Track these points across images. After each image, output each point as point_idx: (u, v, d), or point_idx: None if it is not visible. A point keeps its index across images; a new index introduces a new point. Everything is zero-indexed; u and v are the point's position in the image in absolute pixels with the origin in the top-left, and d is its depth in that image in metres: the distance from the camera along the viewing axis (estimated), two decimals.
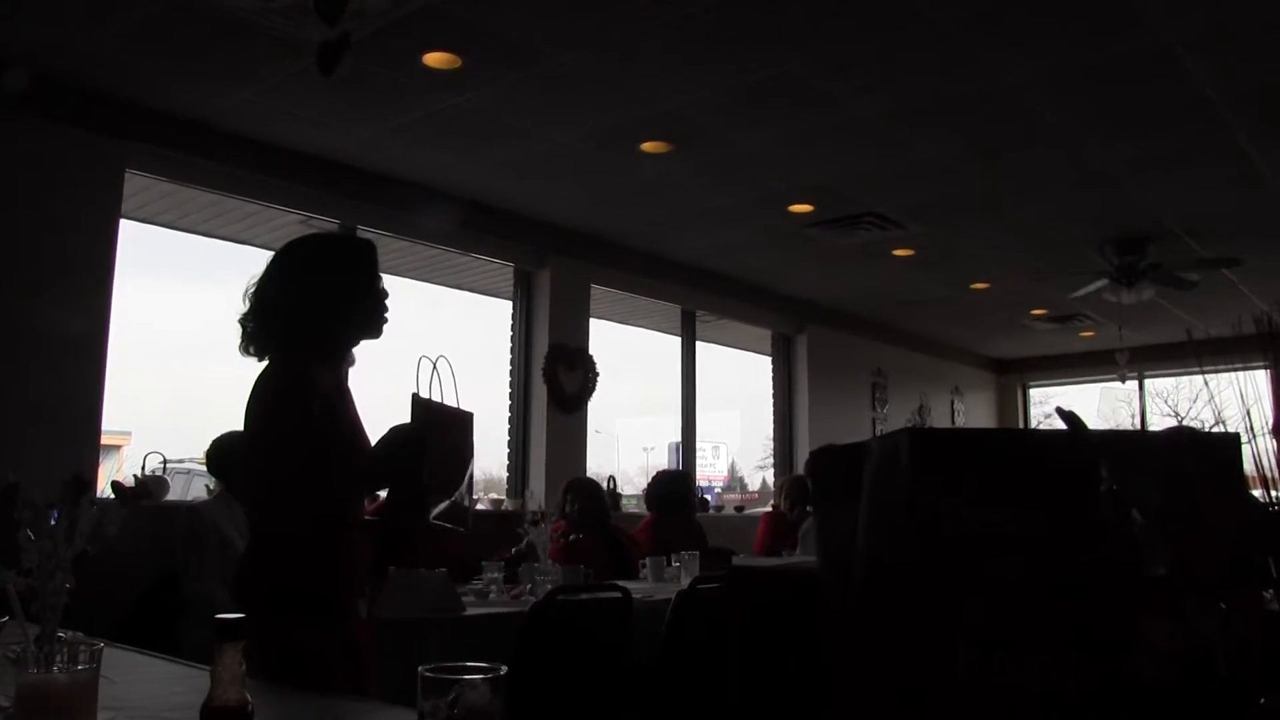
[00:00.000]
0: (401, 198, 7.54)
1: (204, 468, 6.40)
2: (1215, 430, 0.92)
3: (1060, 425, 1.14)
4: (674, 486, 7.28)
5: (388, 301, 3.13)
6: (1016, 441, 1.09)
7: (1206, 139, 6.79)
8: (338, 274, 3.04)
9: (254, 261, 7.59)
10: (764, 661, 1.32)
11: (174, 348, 9.69)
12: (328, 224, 7.38)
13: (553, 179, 7.57)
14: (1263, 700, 0.73)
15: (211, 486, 6.00)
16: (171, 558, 5.21)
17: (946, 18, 5.21)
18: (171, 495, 6.53)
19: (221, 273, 8.19)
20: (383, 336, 3.13)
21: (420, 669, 1.22)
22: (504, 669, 1.22)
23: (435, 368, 3.01)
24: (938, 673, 1.00)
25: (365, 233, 7.50)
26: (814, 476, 1.16)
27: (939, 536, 1.00)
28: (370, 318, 3.08)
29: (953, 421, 14.54)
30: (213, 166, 6.60)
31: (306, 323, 2.94)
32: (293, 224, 7.27)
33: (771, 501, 9.26)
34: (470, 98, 6.05)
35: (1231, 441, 0.93)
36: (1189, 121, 6.50)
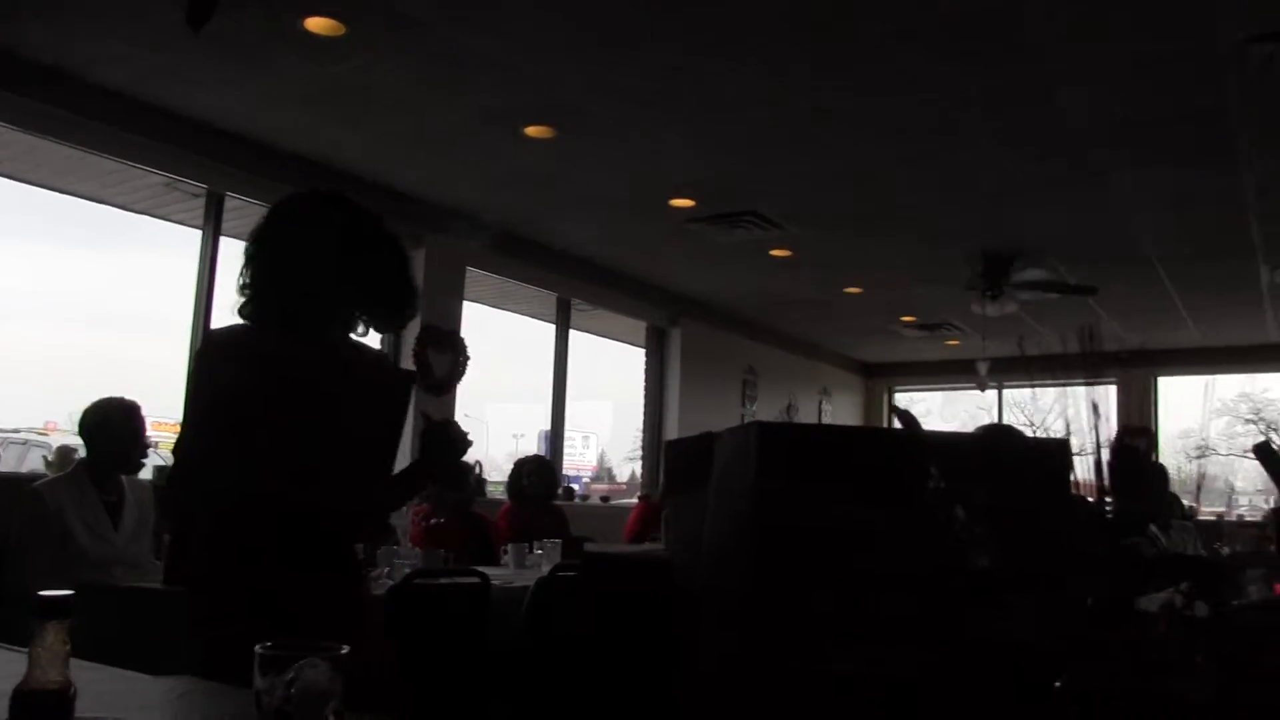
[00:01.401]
0: (273, 166, 7.31)
1: (43, 438, 6.10)
2: (1046, 436, 0.94)
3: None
4: (536, 474, 7.25)
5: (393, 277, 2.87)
6: (858, 439, 1.10)
7: (1072, 168, 7.06)
8: (301, 231, 2.77)
9: (109, 221, 7.38)
10: (616, 644, 1.32)
11: (12, 308, 9.30)
12: (194, 188, 7.16)
13: (432, 156, 7.46)
14: (1058, 683, 0.75)
15: (51, 458, 5.69)
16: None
17: (837, 32, 5.29)
18: (3, 466, 6.19)
19: (69, 231, 7.89)
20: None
21: (257, 647, 1.18)
22: (345, 648, 1.19)
23: None
24: (775, 659, 1.00)
25: (234, 200, 7.30)
26: (667, 466, 1.16)
27: (781, 527, 1.00)
28: (362, 286, 2.78)
29: (819, 421, 14.78)
30: (69, 118, 6.25)
31: (269, 286, 2.69)
32: (155, 185, 7.04)
33: (640, 492, 9.30)
34: (352, 67, 5.88)
35: (1059, 447, 0.95)
36: (1057, 149, 6.74)
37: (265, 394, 2.55)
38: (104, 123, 6.40)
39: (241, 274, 2.70)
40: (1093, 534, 0.80)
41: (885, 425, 16.39)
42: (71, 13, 5.42)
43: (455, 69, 5.90)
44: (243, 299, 2.68)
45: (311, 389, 2.61)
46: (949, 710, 0.94)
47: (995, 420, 15.14)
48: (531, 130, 6.78)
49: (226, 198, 7.28)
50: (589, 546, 4.19)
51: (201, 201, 7.24)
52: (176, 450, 2.62)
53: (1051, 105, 6.03)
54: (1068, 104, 6.00)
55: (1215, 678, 0.79)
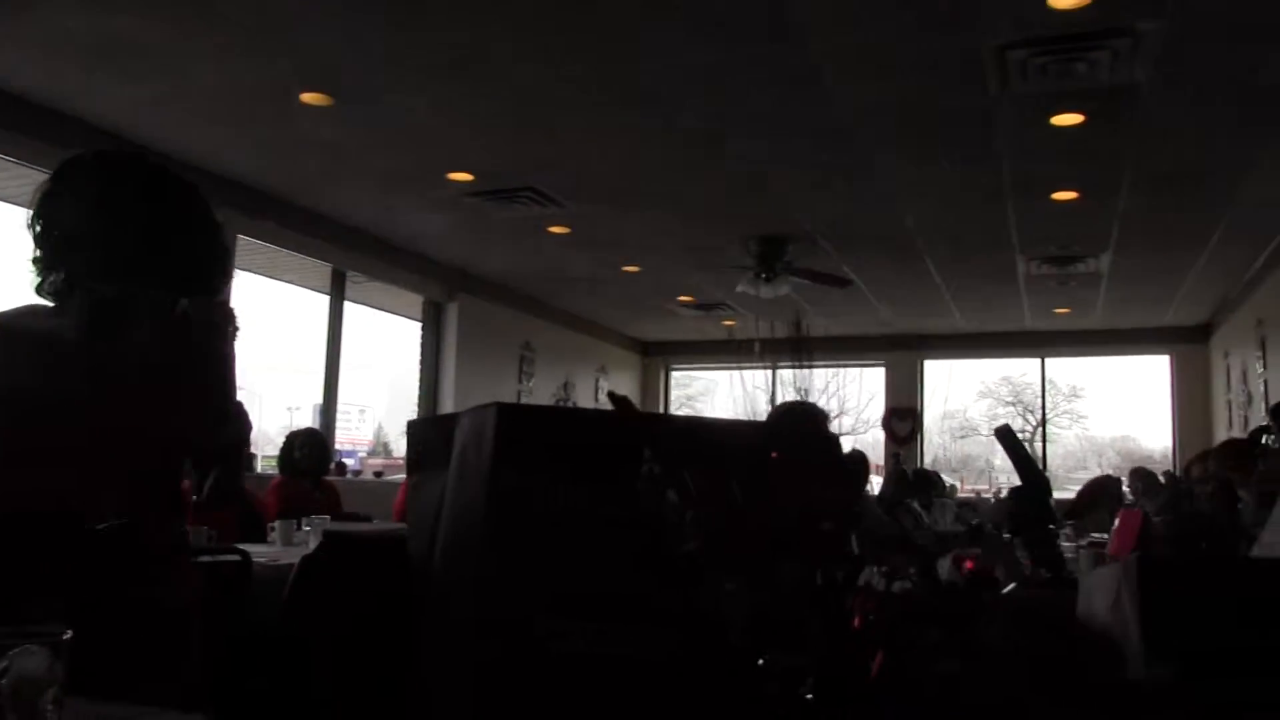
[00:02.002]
0: (27, 120, 6.94)
1: None
2: (752, 419, 0.99)
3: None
4: (305, 447, 7.08)
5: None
6: (587, 422, 1.13)
7: (842, 153, 7.28)
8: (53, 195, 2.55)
9: None
10: (354, 623, 1.31)
11: None
12: None
13: (202, 119, 7.18)
14: (761, 661, 0.80)
15: None
16: None
17: (605, 10, 5.32)
18: None
19: None
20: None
21: None
22: (67, 633, 1.14)
23: None
24: (507, 637, 1.02)
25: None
26: (409, 444, 1.16)
27: (514, 510, 1.03)
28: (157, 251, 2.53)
29: (596, 399, 14.92)
30: None
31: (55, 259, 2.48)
32: None
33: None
34: (122, 23, 5.61)
35: (758, 430, 1.00)
36: (830, 135, 6.94)
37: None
38: None
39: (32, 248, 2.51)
40: (799, 518, 0.85)
41: (662, 404, 16.68)
42: None
43: (226, 29, 5.70)
44: (36, 276, 2.49)
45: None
46: (670, 688, 0.99)
47: (782, 400, 15.54)
48: (308, 97, 6.61)
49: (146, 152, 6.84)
50: (329, 526, 4.15)
51: None
52: None
53: (821, 93, 6.22)
54: (837, 92, 6.21)
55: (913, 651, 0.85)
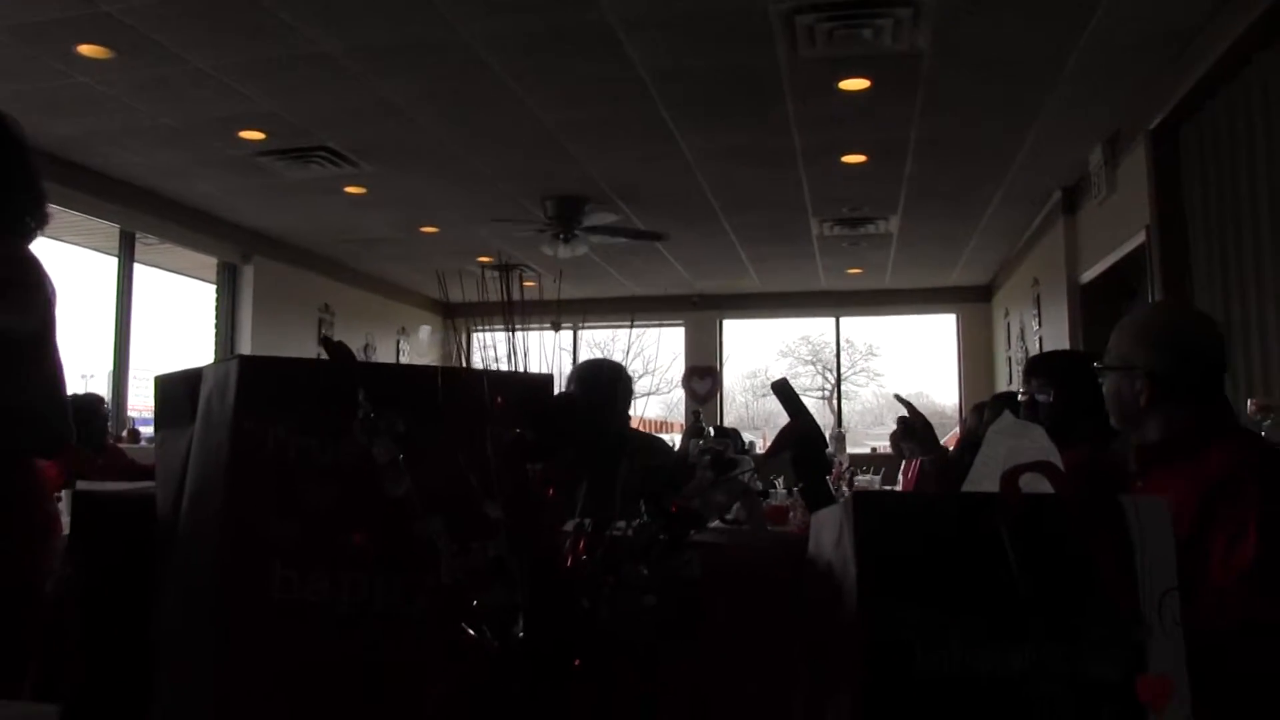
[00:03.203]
0: None
1: None
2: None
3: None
4: (85, 413, 6.83)
5: None
6: (314, 371, 1.16)
7: (637, 114, 7.36)
8: None
9: None
10: (105, 587, 1.31)
11: None
12: None
13: None
14: (474, 603, 0.85)
15: None
16: None
17: None
18: None
19: None
20: None
21: None
22: None
23: None
24: (251, 590, 1.05)
25: None
26: (156, 400, 1.17)
27: (258, 460, 1.06)
28: None
29: (396, 360, 14.77)
30: None
31: None
32: None
33: None
34: None
35: (478, 376, 1.05)
36: (624, 96, 7.01)
37: None
38: None
39: None
40: (505, 461, 0.91)
41: (464, 365, 16.58)
42: None
43: None
44: None
45: None
46: (392, 632, 1.04)
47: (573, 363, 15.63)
48: (86, 49, 6.35)
49: None
50: (80, 485, 4.03)
51: None
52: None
53: (615, 54, 6.28)
54: (629, 54, 6.27)
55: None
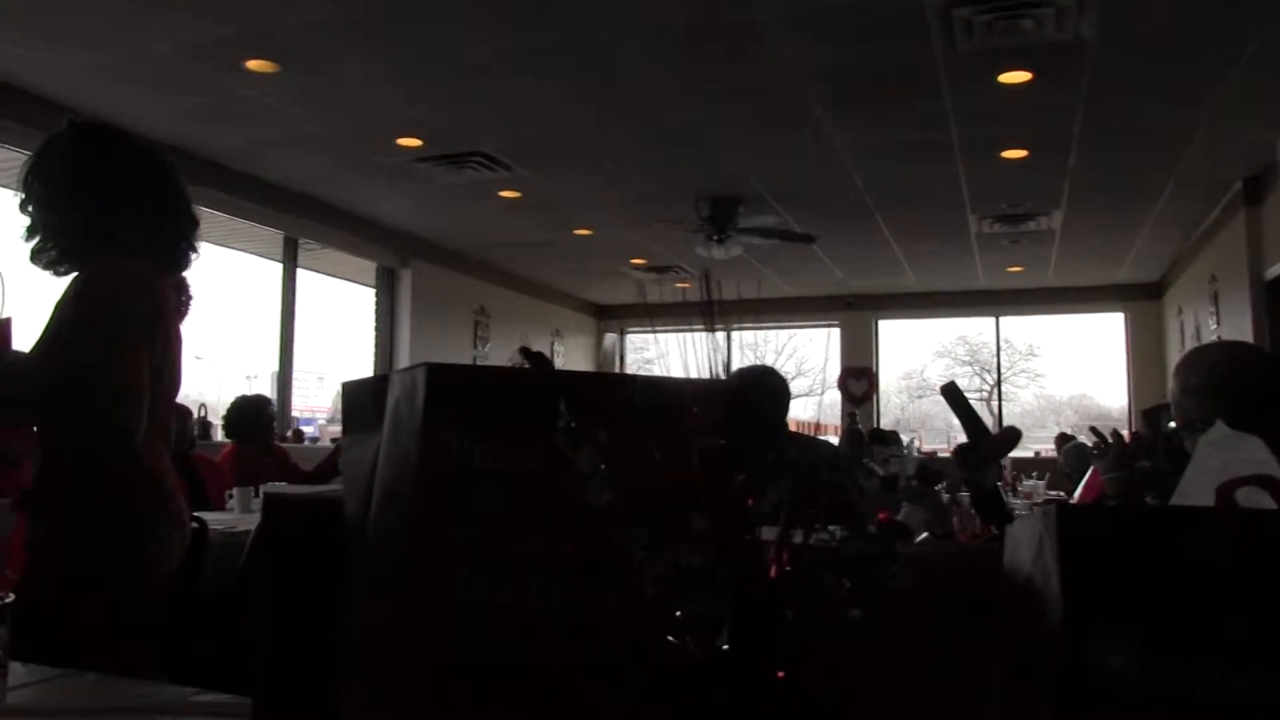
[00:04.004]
0: None
1: None
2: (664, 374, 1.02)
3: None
4: (253, 413, 7.06)
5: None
6: (521, 381, 1.15)
7: (791, 113, 7.29)
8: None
9: None
10: (293, 588, 1.33)
11: None
12: None
13: (147, 89, 7.11)
14: (678, 613, 0.83)
15: None
16: None
17: None
18: None
19: None
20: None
21: None
22: (10, 597, 1.17)
23: None
24: (441, 596, 1.05)
25: None
26: (343, 406, 1.18)
27: (446, 467, 1.05)
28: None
29: (552, 364, 14.93)
30: None
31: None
32: None
33: None
34: None
35: (681, 386, 1.02)
36: (776, 95, 6.95)
37: None
38: None
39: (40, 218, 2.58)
40: (707, 470, 0.88)
41: (618, 368, 16.70)
42: None
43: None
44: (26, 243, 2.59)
45: None
46: (589, 641, 1.02)
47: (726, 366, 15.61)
48: (253, 64, 6.56)
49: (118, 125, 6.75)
50: (270, 488, 4.17)
51: None
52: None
53: (769, 53, 6.23)
54: (784, 52, 6.22)
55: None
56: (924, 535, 1.01)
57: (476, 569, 1.04)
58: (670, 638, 0.83)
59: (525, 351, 1.02)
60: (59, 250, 2.57)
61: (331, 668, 1.18)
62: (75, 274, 2.56)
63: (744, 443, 0.88)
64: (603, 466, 0.85)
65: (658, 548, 0.83)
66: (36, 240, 2.57)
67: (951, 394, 2.34)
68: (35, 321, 2.55)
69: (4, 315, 2.49)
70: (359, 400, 1.20)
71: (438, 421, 1.04)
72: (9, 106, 7.05)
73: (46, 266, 2.59)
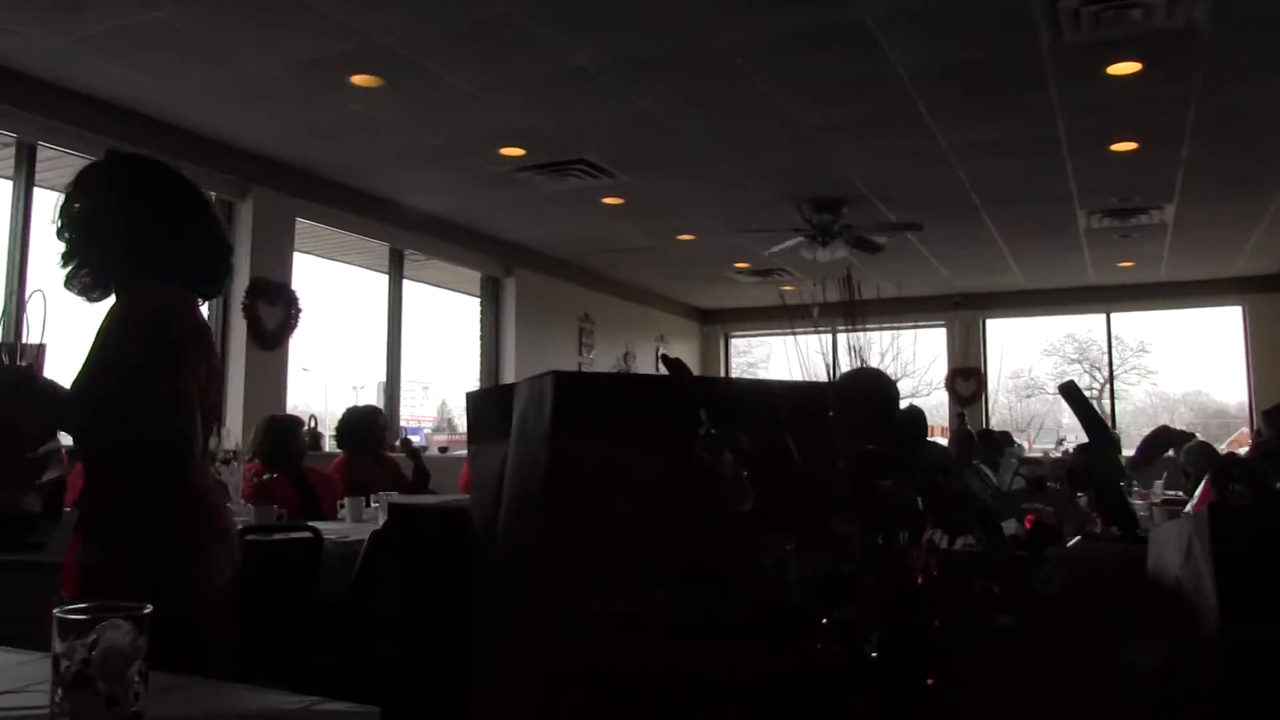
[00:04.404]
0: (90, 115, 7.08)
1: None
2: (814, 381, 0.99)
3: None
4: (364, 423, 7.16)
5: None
6: (649, 387, 1.14)
7: (895, 111, 7.21)
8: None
9: None
10: (420, 596, 1.33)
11: None
12: (3, 137, 6.87)
13: (257, 107, 7.28)
14: (825, 620, 0.81)
15: None
16: None
17: None
18: None
19: None
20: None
21: (55, 610, 1.17)
22: (148, 608, 1.19)
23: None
24: (572, 604, 1.04)
25: (46, 150, 7.03)
26: (469, 415, 1.18)
27: (575, 475, 1.04)
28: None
29: (656, 369, 14.94)
30: None
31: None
32: None
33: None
34: (172, 13, 5.70)
35: (819, 391, 1.00)
36: (880, 94, 6.88)
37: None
38: None
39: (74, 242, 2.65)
40: (852, 476, 0.85)
41: (722, 372, 16.67)
42: None
43: (277, 17, 5.77)
44: (63, 269, 2.64)
45: None
46: (731, 650, 1.00)
47: (832, 369, 15.50)
48: (358, 79, 6.68)
49: (39, 148, 6.99)
50: (395, 499, 4.21)
51: (11, 152, 6.94)
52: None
53: (871, 50, 6.17)
54: (886, 49, 6.15)
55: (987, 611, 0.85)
56: (1076, 539, 0.98)
57: (607, 577, 1.03)
58: (816, 647, 0.82)
59: (665, 358, 1.01)
60: (94, 277, 2.63)
61: (461, 675, 1.19)
62: (116, 299, 2.63)
63: (891, 447, 0.86)
64: (745, 473, 0.83)
65: (803, 554, 0.81)
66: (72, 266, 2.63)
67: (1071, 393, 2.29)
68: (69, 345, 2.62)
69: (40, 341, 2.55)
70: (484, 409, 1.20)
71: (566, 429, 1.04)
72: (130, 129, 7.26)
73: (81, 292, 2.65)
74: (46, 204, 7.14)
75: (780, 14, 5.73)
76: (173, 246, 2.68)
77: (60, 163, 7.33)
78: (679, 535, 1.01)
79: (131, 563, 2.46)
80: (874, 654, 0.81)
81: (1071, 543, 0.95)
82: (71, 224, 2.65)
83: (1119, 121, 7.49)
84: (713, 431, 0.85)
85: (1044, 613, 0.87)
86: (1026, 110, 7.23)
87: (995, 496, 0.94)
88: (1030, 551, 0.84)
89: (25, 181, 6.95)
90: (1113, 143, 7.95)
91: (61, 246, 2.64)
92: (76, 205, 2.67)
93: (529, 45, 6.11)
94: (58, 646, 1.15)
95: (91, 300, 2.66)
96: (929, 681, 0.83)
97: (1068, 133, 7.67)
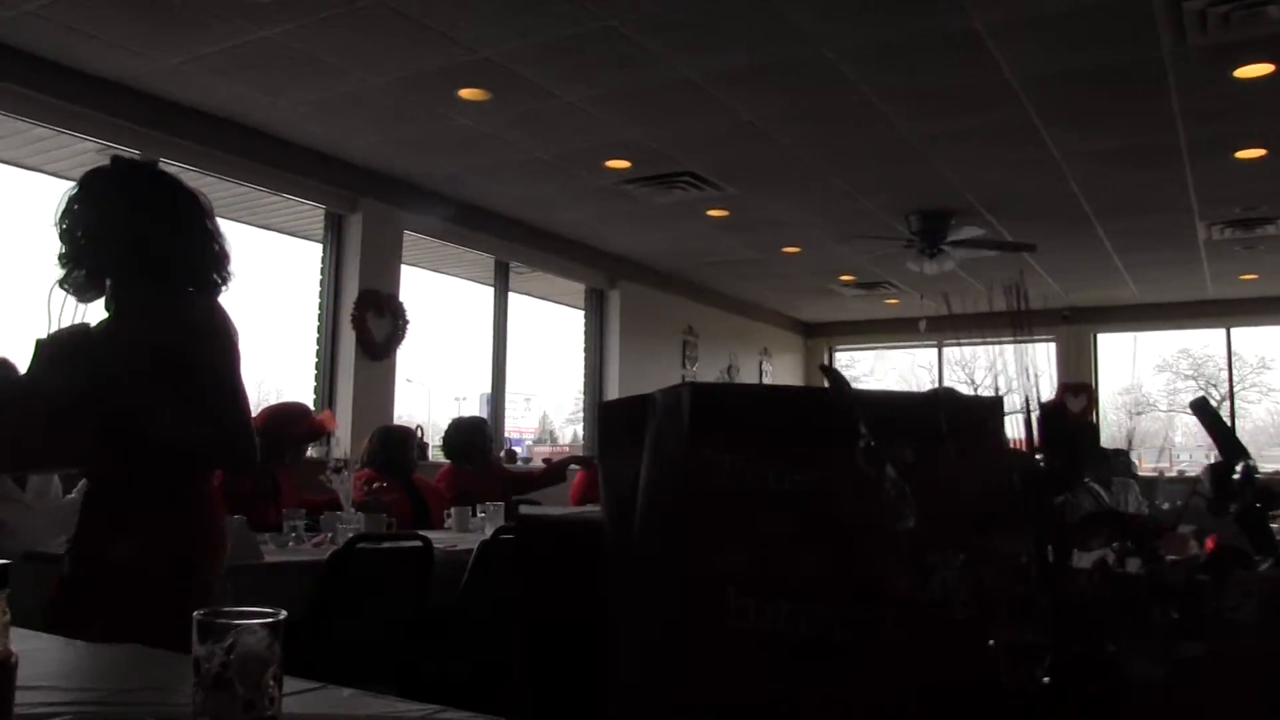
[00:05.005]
0: (207, 131, 7.25)
1: None
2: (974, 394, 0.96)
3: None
4: (470, 434, 7.22)
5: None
6: (789, 399, 1.11)
7: (1007, 121, 7.08)
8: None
9: (43, 189, 7.24)
10: (549, 607, 1.32)
11: None
12: (127, 154, 7.06)
13: (367, 121, 7.39)
14: (992, 642, 0.77)
15: None
16: None
17: None
18: None
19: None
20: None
21: (195, 614, 1.18)
22: (283, 613, 1.19)
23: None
24: (707, 618, 1.02)
25: (168, 166, 7.18)
26: (600, 428, 1.16)
27: (713, 488, 1.01)
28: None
29: (760, 382, 14.87)
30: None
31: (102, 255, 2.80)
32: (87, 152, 6.89)
33: (582, 454, 9.32)
34: (283, 31, 5.82)
35: (992, 405, 0.97)
36: (991, 103, 6.76)
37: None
38: (34, 89, 6.30)
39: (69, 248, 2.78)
40: (1024, 492, 0.81)
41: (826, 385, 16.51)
42: None
43: (385, 32, 5.84)
44: (60, 270, 2.78)
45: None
46: (885, 669, 0.96)
47: (938, 382, 15.35)
48: (466, 93, 6.74)
49: (159, 163, 7.17)
50: (524, 509, 4.22)
51: None
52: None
53: (982, 58, 6.06)
54: (998, 57, 6.04)
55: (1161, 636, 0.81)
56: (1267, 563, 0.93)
57: (746, 592, 1.01)
58: (982, 669, 0.78)
59: (824, 369, 0.98)
60: (90, 279, 2.76)
61: (591, 687, 1.17)
62: (137, 305, 2.76)
63: (1064, 463, 0.81)
64: (909, 488, 0.80)
65: (970, 572, 0.77)
66: (70, 267, 2.75)
67: (1203, 409, 2.20)
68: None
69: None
70: (617, 421, 1.18)
71: (705, 441, 1.01)
72: (242, 144, 7.45)
73: (75, 292, 2.77)
74: None
75: (890, 22, 5.65)
76: (170, 251, 2.81)
77: (182, 178, 7.49)
78: (822, 550, 0.98)
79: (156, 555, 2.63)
80: (1046, 678, 0.77)
81: (1264, 566, 0.90)
82: (75, 225, 2.76)
83: (1246, 127, 7.25)
84: (873, 444, 0.82)
85: (1233, 641, 0.82)
86: (1145, 118, 7.05)
87: (1155, 516, 0.89)
88: (1213, 575, 0.80)
89: None
90: (1238, 149, 7.71)
91: (61, 248, 2.76)
92: (78, 208, 2.78)
93: (635, 58, 6.11)
94: (198, 649, 1.16)
95: (83, 300, 2.78)
96: (1118, 711, 0.78)
97: (1189, 140, 7.46)
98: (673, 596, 1.06)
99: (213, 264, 2.90)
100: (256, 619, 1.18)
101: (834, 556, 1.00)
